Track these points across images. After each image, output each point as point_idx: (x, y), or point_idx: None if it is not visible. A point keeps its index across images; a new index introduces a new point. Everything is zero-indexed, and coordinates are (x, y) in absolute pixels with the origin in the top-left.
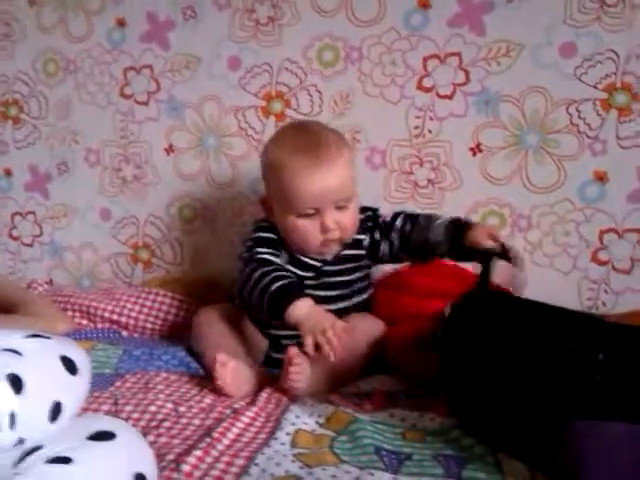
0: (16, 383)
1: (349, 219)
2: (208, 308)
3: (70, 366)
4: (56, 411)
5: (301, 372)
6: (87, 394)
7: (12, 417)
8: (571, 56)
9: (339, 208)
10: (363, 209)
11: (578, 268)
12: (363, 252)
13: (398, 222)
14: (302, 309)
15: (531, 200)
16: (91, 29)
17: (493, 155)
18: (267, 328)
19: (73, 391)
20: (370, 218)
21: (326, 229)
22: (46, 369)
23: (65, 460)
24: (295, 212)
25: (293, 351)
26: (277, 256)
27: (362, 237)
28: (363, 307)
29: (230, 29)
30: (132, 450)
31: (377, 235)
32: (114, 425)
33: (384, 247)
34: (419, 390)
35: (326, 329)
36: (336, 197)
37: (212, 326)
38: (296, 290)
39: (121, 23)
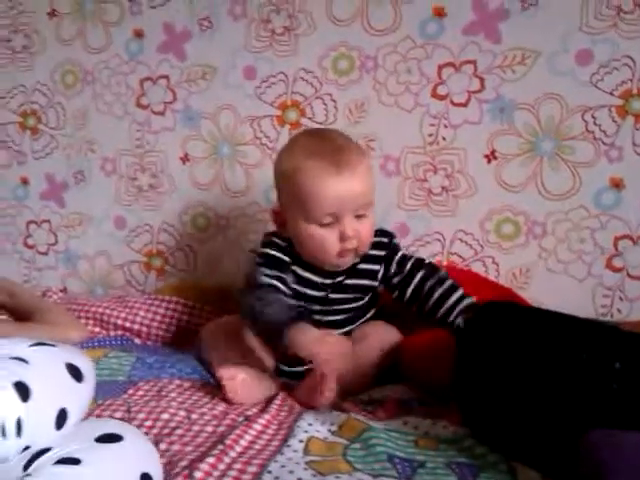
0: (23, 390)
1: (367, 229)
2: (212, 323)
3: (75, 373)
4: (62, 418)
5: (334, 390)
6: (91, 400)
7: (19, 424)
8: (587, 63)
9: (358, 217)
10: (378, 232)
11: (593, 275)
12: (375, 284)
13: (416, 279)
14: (304, 331)
15: (546, 207)
16: (109, 40)
17: (508, 162)
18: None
19: (78, 398)
20: (385, 246)
21: (345, 237)
22: (52, 376)
23: (74, 461)
24: (313, 220)
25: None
26: (283, 280)
27: (377, 268)
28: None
29: (246, 39)
30: (138, 451)
31: (395, 280)
32: (121, 428)
33: (396, 293)
34: (432, 398)
35: (332, 346)
36: (357, 204)
37: (220, 338)
38: (295, 314)
39: (139, 34)
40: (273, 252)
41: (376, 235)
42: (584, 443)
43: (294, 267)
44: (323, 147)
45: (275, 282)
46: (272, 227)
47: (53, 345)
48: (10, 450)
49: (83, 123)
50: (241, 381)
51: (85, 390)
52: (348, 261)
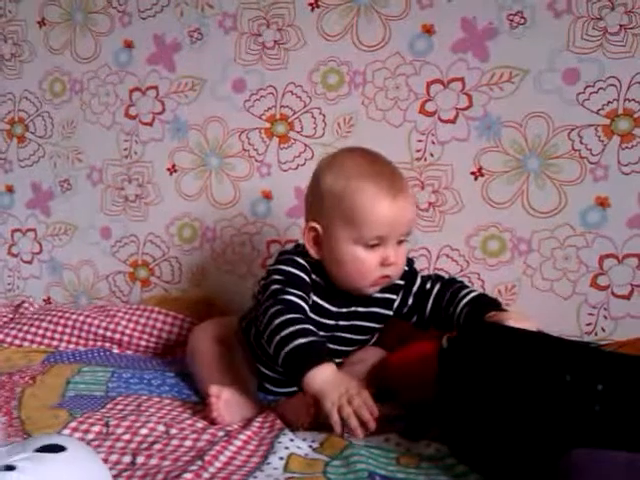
0: None
1: (404, 255)
2: (203, 326)
3: None
4: None
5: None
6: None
7: None
8: (574, 82)
9: (400, 242)
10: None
11: (578, 293)
12: (390, 313)
13: (435, 290)
14: (324, 375)
15: (532, 224)
16: (99, 50)
17: (494, 179)
18: (258, 363)
19: None
20: (405, 275)
21: (388, 262)
22: None
23: (9, 468)
24: (361, 241)
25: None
26: (306, 301)
27: (393, 297)
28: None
29: (236, 52)
30: (82, 464)
31: (410, 301)
32: (65, 440)
33: (415, 317)
34: (415, 415)
35: (353, 397)
36: (405, 229)
37: (207, 348)
38: (319, 352)
39: (128, 45)
40: (297, 272)
41: None
42: (564, 463)
43: (314, 290)
44: (378, 170)
45: (301, 302)
46: (288, 250)
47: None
48: None
49: (70, 132)
50: (225, 400)
51: None
52: (379, 288)
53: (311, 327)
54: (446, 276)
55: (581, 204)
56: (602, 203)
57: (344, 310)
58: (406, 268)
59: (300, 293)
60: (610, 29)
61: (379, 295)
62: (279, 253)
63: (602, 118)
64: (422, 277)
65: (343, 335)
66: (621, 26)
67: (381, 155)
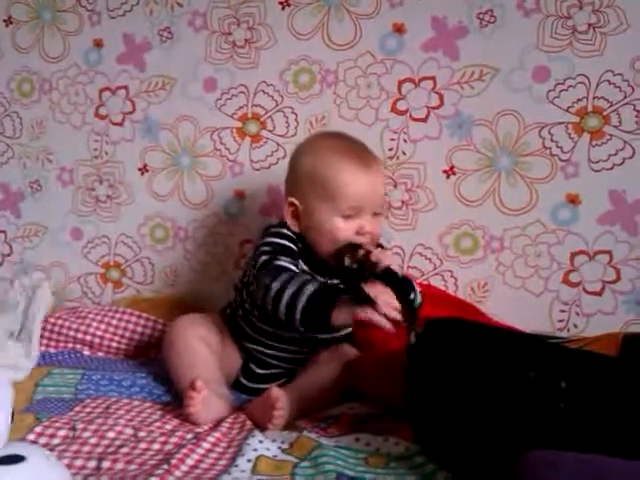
0: None
1: (380, 227)
2: (182, 321)
3: None
4: None
5: (283, 415)
6: (7, 430)
7: None
8: (544, 80)
9: (375, 215)
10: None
11: (549, 290)
12: None
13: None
14: (345, 308)
15: (503, 222)
16: (68, 50)
17: (466, 177)
18: (247, 341)
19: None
20: None
21: (363, 231)
22: None
23: None
24: (337, 212)
25: (276, 393)
26: (296, 267)
27: None
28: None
29: (206, 51)
30: (42, 474)
31: None
32: (26, 449)
33: None
34: (387, 414)
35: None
36: (378, 202)
37: (186, 344)
38: (331, 292)
39: (98, 44)
40: (285, 242)
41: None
42: (519, 465)
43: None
44: (350, 147)
45: (293, 268)
46: (275, 224)
47: None
48: None
49: (40, 132)
50: (203, 397)
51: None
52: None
53: (308, 277)
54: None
55: (552, 201)
56: (573, 200)
57: (328, 281)
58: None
59: (290, 259)
60: (579, 28)
61: None
62: (264, 229)
63: (572, 116)
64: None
65: None
66: (590, 25)
67: (349, 135)
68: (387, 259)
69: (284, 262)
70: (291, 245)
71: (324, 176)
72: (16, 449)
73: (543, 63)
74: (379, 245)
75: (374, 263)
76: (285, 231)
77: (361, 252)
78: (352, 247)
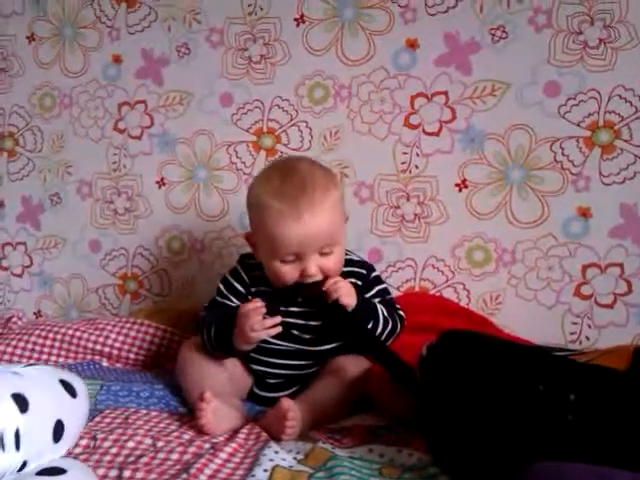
0: (21, 402)
1: (333, 264)
2: (192, 339)
3: (70, 389)
4: (59, 430)
5: (296, 425)
6: (86, 419)
7: (17, 436)
8: (555, 95)
9: (323, 254)
10: (360, 263)
11: (561, 302)
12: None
13: None
14: (235, 337)
15: (515, 235)
16: (87, 65)
17: (478, 191)
18: (252, 363)
19: (74, 412)
20: (363, 277)
21: (307, 275)
22: (47, 390)
23: None
24: (277, 256)
25: (287, 404)
26: (231, 301)
27: None
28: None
29: (223, 66)
30: None
31: None
32: (65, 462)
33: None
34: (399, 425)
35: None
36: (319, 244)
37: (197, 360)
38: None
39: (117, 59)
40: (231, 280)
41: (356, 265)
42: (527, 476)
43: (267, 289)
44: (286, 186)
45: (224, 301)
46: (244, 254)
47: (46, 364)
48: (8, 464)
49: (60, 146)
50: (213, 408)
51: (80, 406)
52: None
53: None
54: (399, 309)
55: (563, 215)
56: (584, 214)
57: (294, 309)
58: (363, 271)
59: (228, 295)
60: (590, 43)
61: None
62: (238, 258)
63: (583, 130)
64: (377, 292)
65: (314, 324)
66: (600, 40)
67: (302, 165)
68: (337, 292)
69: (221, 298)
70: (237, 285)
71: (260, 220)
72: (57, 462)
73: (554, 78)
74: (363, 269)
75: (323, 295)
76: (240, 268)
77: (318, 287)
78: (303, 287)
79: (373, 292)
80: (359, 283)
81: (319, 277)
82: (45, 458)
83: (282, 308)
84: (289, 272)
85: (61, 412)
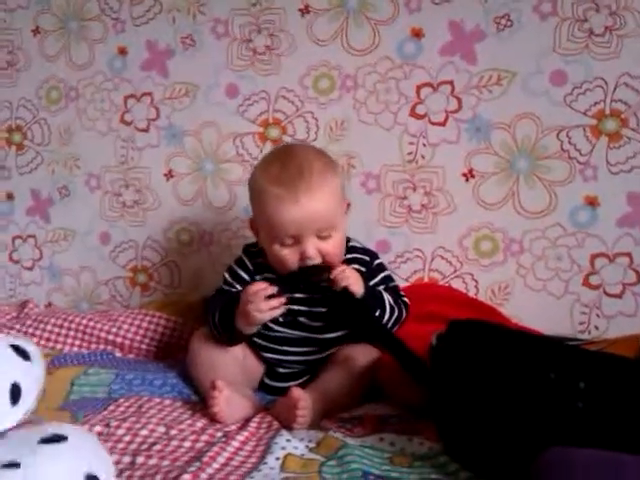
0: None
1: (332, 247)
2: (203, 330)
3: (22, 353)
4: (15, 393)
5: (307, 414)
6: (43, 381)
7: None
8: (561, 84)
9: (322, 237)
10: (362, 250)
11: (570, 292)
12: None
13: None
14: (237, 319)
15: (523, 225)
16: (93, 57)
17: (485, 180)
18: (262, 351)
19: (29, 375)
20: (366, 264)
21: (305, 257)
22: None
23: (13, 465)
24: (277, 240)
25: (297, 393)
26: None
27: None
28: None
29: (228, 58)
30: (83, 452)
31: None
32: (67, 429)
33: None
34: (409, 414)
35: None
36: (317, 227)
37: (208, 351)
38: (227, 305)
39: (122, 51)
40: (236, 268)
41: (359, 252)
42: (537, 463)
43: (272, 275)
44: (284, 172)
45: (229, 289)
46: (249, 244)
47: None
48: None
49: (68, 139)
50: (226, 397)
51: (35, 368)
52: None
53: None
54: (403, 295)
55: (571, 204)
56: (592, 203)
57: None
58: (366, 258)
59: (233, 283)
60: (595, 30)
61: None
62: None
63: (590, 119)
64: (381, 279)
65: (318, 310)
66: (606, 27)
67: (300, 152)
68: (345, 280)
69: (227, 286)
70: (242, 273)
71: (258, 206)
72: (57, 430)
73: (560, 66)
74: (367, 255)
75: (330, 283)
76: (245, 257)
77: (325, 275)
78: (309, 271)
79: (377, 279)
80: (362, 269)
81: (318, 260)
82: (5, 422)
83: (287, 295)
84: (289, 255)
85: (15, 375)
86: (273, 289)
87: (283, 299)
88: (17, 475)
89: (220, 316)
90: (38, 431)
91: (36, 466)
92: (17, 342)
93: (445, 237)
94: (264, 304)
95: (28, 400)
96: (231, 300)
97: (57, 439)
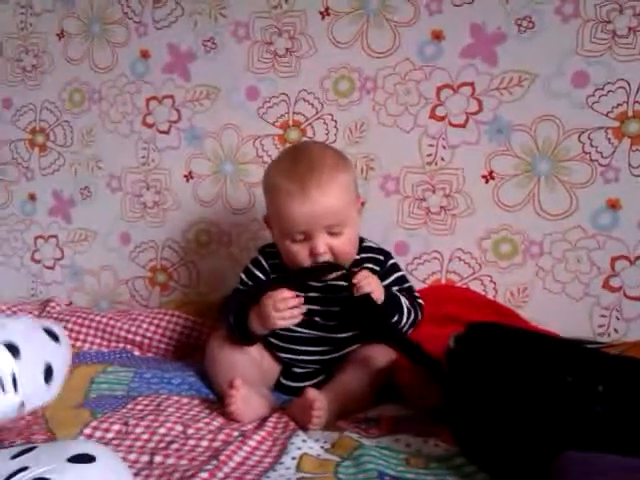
0: (12, 349)
1: (343, 245)
2: (221, 330)
3: (53, 335)
4: (48, 373)
5: (322, 415)
6: (70, 362)
7: (14, 380)
8: (583, 85)
9: (333, 234)
10: (378, 250)
11: (590, 295)
12: None
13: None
14: (252, 318)
15: (543, 227)
16: (116, 60)
17: (505, 182)
18: (278, 351)
19: (60, 356)
20: (380, 263)
21: (315, 253)
22: (33, 337)
23: None
24: (288, 236)
25: (312, 394)
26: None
27: None
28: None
29: (249, 60)
30: (111, 475)
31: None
32: (95, 449)
33: None
34: (425, 416)
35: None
36: (326, 222)
37: (225, 350)
38: (244, 305)
39: (145, 55)
40: (253, 269)
41: (374, 252)
42: (555, 466)
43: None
44: (295, 167)
45: (244, 288)
46: (265, 245)
47: (25, 316)
48: (9, 405)
49: (90, 141)
50: (243, 395)
51: (63, 349)
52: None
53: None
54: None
55: (592, 206)
56: (613, 205)
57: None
58: (380, 257)
59: (249, 283)
60: (619, 32)
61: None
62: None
63: (612, 121)
64: (395, 279)
65: (333, 310)
66: (630, 29)
67: (312, 148)
68: (368, 287)
69: (242, 285)
70: (258, 273)
71: (271, 201)
72: (86, 448)
73: (582, 68)
74: (381, 255)
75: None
76: (261, 257)
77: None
78: (325, 268)
79: (391, 279)
80: (376, 269)
81: (328, 256)
82: (39, 399)
83: (301, 294)
84: (299, 251)
85: (49, 356)
86: (300, 300)
87: (304, 309)
88: None
89: (236, 317)
90: (66, 447)
91: None
92: (47, 325)
93: (464, 239)
94: (288, 312)
95: (58, 379)
96: (248, 298)
97: (86, 459)
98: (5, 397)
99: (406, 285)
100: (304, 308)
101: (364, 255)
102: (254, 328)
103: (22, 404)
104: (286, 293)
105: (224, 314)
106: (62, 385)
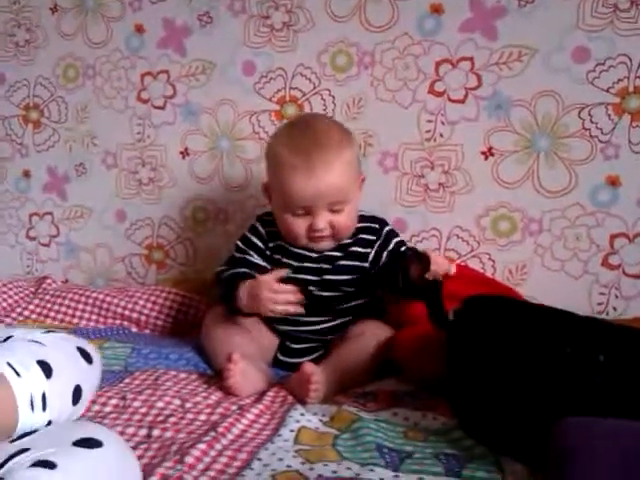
0: (46, 368)
1: (344, 221)
2: (218, 306)
3: (86, 356)
4: (77, 394)
5: (319, 389)
6: (99, 383)
7: (44, 399)
8: (584, 61)
9: (333, 211)
10: (371, 218)
11: (589, 272)
12: (366, 265)
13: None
14: (243, 293)
15: (542, 204)
16: (110, 35)
17: (504, 159)
18: (273, 322)
19: (90, 378)
20: (376, 232)
21: (315, 229)
22: (67, 357)
23: (50, 465)
24: (289, 209)
25: (310, 368)
26: (251, 255)
27: (367, 251)
28: (367, 310)
29: (245, 35)
30: (117, 460)
31: (384, 257)
32: (102, 433)
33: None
34: (423, 391)
35: (261, 295)
36: (329, 200)
37: (222, 326)
38: (238, 277)
39: (139, 29)
40: (250, 236)
41: (367, 221)
42: (554, 431)
43: (284, 243)
44: (302, 142)
45: (243, 256)
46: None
47: (62, 331)
48: (37, 424)
49: (85, 117)
50: (241, 369)
51: (95, 371)
52: (324, 246)
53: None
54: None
55: (592, 183)
56: (613, 182)
57: (319, 255)
58: (375, 225)
59: (247, 250)
60: (620, 6)
61: (355, 249)
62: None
63: (612, 96)
64: (395, 244)
65: (329, 278)
66: (632, 2)
67: (318, 123)
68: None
69: (239, 253)
70: (256, 240)
71: (273, 172)
72: (93, 432)
73: (583, 43)
74: (376, 223)
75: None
76: (259, 224)
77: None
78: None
79: (392, 245)
80: (373, 238)
81: (327, 232)
82: (65, 419)
83: (296, 264)
84: (298, 226)
85: (79, 378)
86: (300, 298)
87: (299, 309)
88: (51, 477)
89: (224, 294)
90: (72, 430)
91: (71, 471)
92: (82, 344)
93: (462, 216)
94: (281, 307)
95: (85, 400)
96: (242, 276)
97: (93, 444)
98: (33, 416)
99: (406, 247)
100: (299, 308)
101: (359, 225)
102: (241, 307)
103: (49, 423)
104: (288, 287)
105: (219, 285)
106: (87, 405)
